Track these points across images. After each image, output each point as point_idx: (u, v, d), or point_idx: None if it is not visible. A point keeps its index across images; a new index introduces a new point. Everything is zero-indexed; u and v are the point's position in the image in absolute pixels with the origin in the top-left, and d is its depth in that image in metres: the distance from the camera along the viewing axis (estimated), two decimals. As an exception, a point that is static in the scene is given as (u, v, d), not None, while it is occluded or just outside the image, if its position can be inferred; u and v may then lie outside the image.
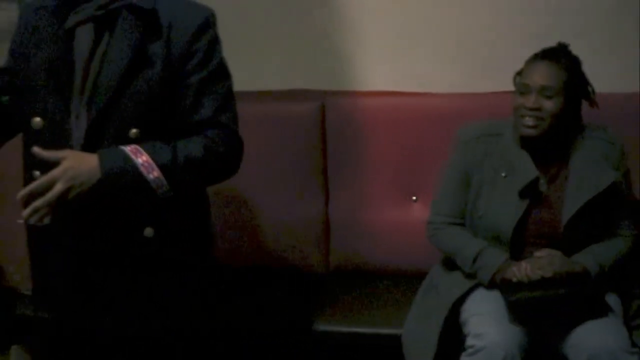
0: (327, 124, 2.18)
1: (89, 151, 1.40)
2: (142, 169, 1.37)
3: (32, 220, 1.35)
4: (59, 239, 1.48)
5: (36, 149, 1.36)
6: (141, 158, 1.38)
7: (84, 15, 1.40)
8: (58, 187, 1.32)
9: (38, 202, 1.32)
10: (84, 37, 1.41)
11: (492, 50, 2.15)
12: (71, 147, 1.41)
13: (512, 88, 1.77)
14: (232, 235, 2.16)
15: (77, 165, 1.35)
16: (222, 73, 1.49)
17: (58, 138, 1.42)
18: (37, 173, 1.44)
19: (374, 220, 2.17)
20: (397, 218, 2.16)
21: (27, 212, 1.33)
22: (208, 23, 1.46)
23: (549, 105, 1.68)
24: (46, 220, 1.38)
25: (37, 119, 1.44)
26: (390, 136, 2.15)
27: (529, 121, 1.68)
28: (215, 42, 1.48)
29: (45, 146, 1.40)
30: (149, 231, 1.46)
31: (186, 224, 1.53)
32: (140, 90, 1.40)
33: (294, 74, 2.24)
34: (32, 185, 1.34)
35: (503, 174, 1.73)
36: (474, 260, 1.73)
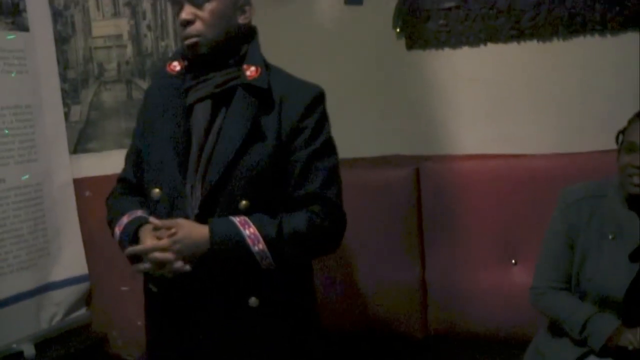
0: (422, 188, 2.19)
1: (202, 220, 1.48)
2: (248, 240, 1.44)
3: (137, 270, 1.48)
4: (171, 307, 1.56)
5: (152, 219, 1.46)
6: (248, 230, 1.44)
7: (204, 93, 1.51)
8: (169, 255, 1.42)
9: (145, 267, 1.44)
10: (202, 112, 1.51)
11: (587, 109, 2.12)
12: (187, 217, 1.49)
13: (608, 147, 1.74)
14: (330, 300, 2.18)
15: (187, 235, 1.43)
16: (329, 149, 1.55)
17: (175, 208, 1.51)
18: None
19: (472, 285, 2.14)
20: (497, 282, 2.12)
21: (140, 267, 1.46)
22: (317, 101, 1.54)
23: (657, 163, 1.63)
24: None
25: (157, 190, 1.54)
26: (487, 199, 2.14)
27: (637, 179, 1.63)
28: (324, 119, 1.55)
29: (163, 215, 1.51)
30: (253, 301, 1.50)
31: (291, 294, 1.57)
32: (252, 164, 1.48)
33: (388, 140, 2.29)
34: (140, 248, 1.46)
35: (610, 236, 1.68)
36: (584, 326, 1.66)
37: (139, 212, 1.59)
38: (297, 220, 1.48)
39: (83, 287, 2.44)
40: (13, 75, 2.21)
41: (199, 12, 1.48)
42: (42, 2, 2.33)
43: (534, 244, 1.94)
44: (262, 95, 1.50)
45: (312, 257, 1.62)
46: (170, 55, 2.37)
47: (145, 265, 1.45)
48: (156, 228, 1.47)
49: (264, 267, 1.47)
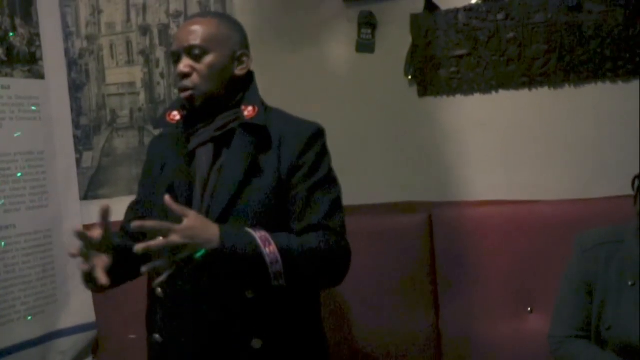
0: (435, 235, 2.17)
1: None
2: (259, 241, 1.40)
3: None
4: (173, 352, 1.53)
5: (167, 198, 1.38)
6: (259, 233, 1.42)
7: (205, 137, 1.53)
8: (174, 238, 1.33)
9: (152, 243, 1.33)
10: (204, 156, 1.53)
11: (599, 155, 2.11)
12: None
13: (624, 192, 1.72)
14: (340, 348, 2.13)
15: (199, 226, 1.37)
16: (330, 182, 1.55)
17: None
18: (159, 290, 1.52)
19: (488, 333, 2.09)
20: (513, 330, 2.07)
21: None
22: (316, 137, 1.55)
23: (675, 209, 1.61)
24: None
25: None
26: (501, 246, 2.11)
27: (656, 225, 1.62)
28: (323, 154, 1.56)
29: (167, 263, 1.49)
30: (256, 342, 1.47)
31: (296, 336, 1.53)
32: (253, 199, 1.48)
33: (400, 187, 2.28)
34: (150, 224, 1.35)
35: (630, 283, 1.64)
36: (606, 377, 1.62)
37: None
38: (306, 238, 1.46)
39: (90, 335, 2.42)
40: (28, 121, 2.24)
41: (196, 65, 1.51)
42: (58, 50, 2.38)
43: (550, 291, 1.91)
44: (261, 134, 1.52)
45: (320, 282, 1.56)
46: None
47: (151, 243, 1.34)
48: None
49: (273, 283, 1.41)
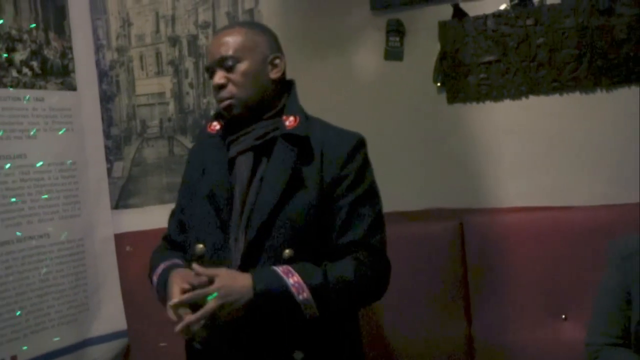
0: (467, 242, 2.16)
1: (244, 271, 1.46)
2: (292, 289, 1.41)
3: (183, 334, 1.39)
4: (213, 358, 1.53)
5: (195, 266, 1.43)
6: (292, 279, 1.42)
7: (245, 145, 1.54)
8: (211, 304, 1.37)
9: (191, 317, 1.36)
10: (244, 164, 1.53)
11: (631, 160, 2.08)
12: (229, 268, 1.48)
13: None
14: (374, 356, 2.13)
15: (230, 283, 1.40)
16: (373, 195, 1.55)
17: (218, 261, 1.50)
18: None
19: (521, 341, 2.07)
20: (547, 338, 2.05)
21: (180, 326, 1.37)
22: (358, 147, 1.55)
23: None
24: (197, 338, 1.41)
25: (200, 246, 1.54)
26: (533, 253, 2.09)
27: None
28: (365, 165, 1.56)
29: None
30: (298, 355, 1.47)
31: (337, 346, 1.53)
32: (294, 212, 1.48)
33: (430, 194, 2.27)
34: (185, 297, 1.39)
35: (669, 289, 1.62)
36: (646, 385, 1.59)
37: (176, 261, 1.60)
38: (342, 268, 1.46)
39: (121, 342, 2.43)
40: (61, 132, 2.27)
41: (231, 75, 1.53)
42: (89, 62, 2.41)
43: (584, 298, 1.89)
44: (302, 144, 1.52)
45: (357, 306, 1.59)
46: (211, 113, 2.44)
47: (190, 320, 1.38)
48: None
49: (307, 317, 1.43)
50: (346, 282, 1.44)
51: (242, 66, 1.52)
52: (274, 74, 1.57)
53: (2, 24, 2.12)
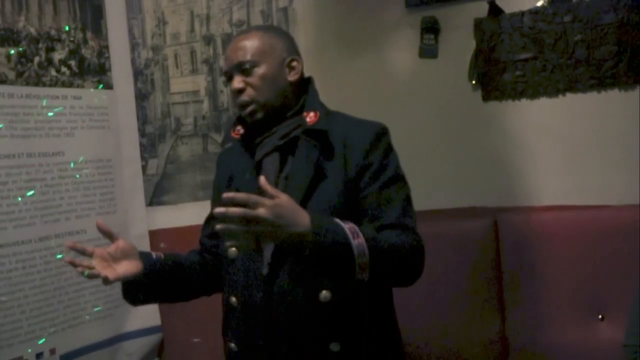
0: (501, 240, 2.14)
1: (275, 269, 1.47)
2: (348, 232, 1.36)
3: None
4: (252, 357, 1.54)
5: (262, 179, 1.32)
6: (347, 224, 1.38)
7: (270, 147, 1.54)
8: (261, 211, 1.27)
9: (236, 210, 1.26)
10: (271, 165, 1.54)
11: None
12: (260, 269, 1.49)
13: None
14: (408, 353, 2.12)
15: (290, 207, 1.32)
16: (400, 180, 1.54)
17: (250, 263, 1.52)
18: (233, 299, 1.55)
19: (556, 341, 2.04)
20: (583, 338, 2.02)
21: (221, 226, 1.28)
22: (380, 136, 1.54)
23: None
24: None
25: (233, 250, 1.55)
26: (569, 252, 2.07)
27: None
28: (389, 152, 1.55)
29: (238, 273, 1.53)
30: (334, 346, 1.47)
31: (374, 340, 1.53)
32: (321, 206, 1.47)
33: (464, 192, 2.26)
34: (240, 195, 1.28)
35: None
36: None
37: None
38: (386, 234, 1.45)
39: (155, 338, 2.46)
40: (97, 130, 2.31)
41: (249, 79, 1.53)
42: (125, 61, 2.45)
43: (622, 298, 1.86)
44: (324, 138, 1.52)
45: (397, 279, 1.51)
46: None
47: (233, 210, 1.27)
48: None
49: (357, 277, 1.37)
50: (392, 244, 1.42)
51: (259, 70, 1.53)
52: (292, 77, 1.57)
53: (42, 24, 2.16)
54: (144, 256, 1.54)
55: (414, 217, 1.53)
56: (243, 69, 1.53)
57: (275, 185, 1.51)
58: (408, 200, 1.54)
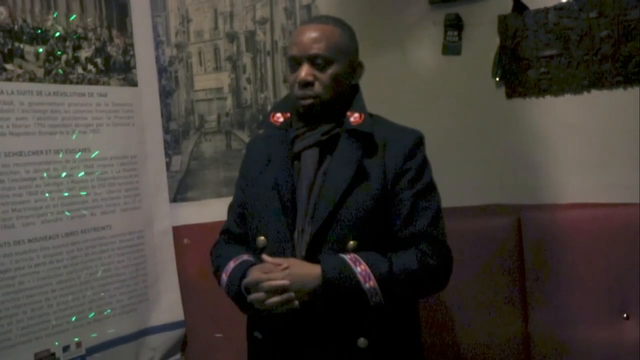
0: (524, 238, 2.13)
1: (309, 261, 1.49)
2: (359, 277, 1.43)
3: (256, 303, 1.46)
4: (277, 352, 1.55)
5: (265, 256, 1.49)
6: (360, 267, 1.44)
7: (311, 141, 1.56)
8: (284, 282, 1.42)
9: (264, 282, 1.43)
10: (309, 159, 1.55)
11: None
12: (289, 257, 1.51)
13: None
14: (428, 349, 2.12)
15: (300, 270, 1.44)
16: (432, 189, 1.58)
17: (280, 253, 1.53)
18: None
19: (580, 340, 2.04)
20: (607, 337, 2.01)
21: (254, 296, 1.45)
22: (419, 144, 1.58)
23: None
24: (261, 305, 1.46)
25: (262, 238, 1.57)
26: (593, 250, 2.05)
27: None
28: (425, 161, 1.59)
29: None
30: (362, 341, 1.49)
31: (399, 337, 1.55)
32: (358, 204, 1.50)
33: (487, 189, 2.26)
34: (255, 277, 1.47)
35: None
36: None
37: (245, 256, 1.62)
38: (406, 258, 1.48)
39: (179, 332, 2.48)
40: (122, 127, 2.34)
41: (319, 74, 1.53)
42: (150, 58, 2.46)
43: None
44: (366, 140, 1.54)
45: (422, 295, 1.60)
46: (270, 107, 2.46)
47: (259, 295, 1.45)
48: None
49: (372, 305, 1.45)
50: (411, 271, 1.46)
51: (332, 69, 1.53)
52: (355, 80, 1.60)
53: (69, 23, 2.19)
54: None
55: (442, 228, 1.55)
56: (317, 63, 1.52)
57: (314, 179, 1.53)
58: (438, 210, 1.56)
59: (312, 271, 1.44)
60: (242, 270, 1.55)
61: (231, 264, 1.62)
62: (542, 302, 2.11)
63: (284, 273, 1.44)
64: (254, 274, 1.49)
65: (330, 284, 1.43)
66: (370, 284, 1.43)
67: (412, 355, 1.60)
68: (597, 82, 2.09)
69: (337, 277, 1.43)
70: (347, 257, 1.46)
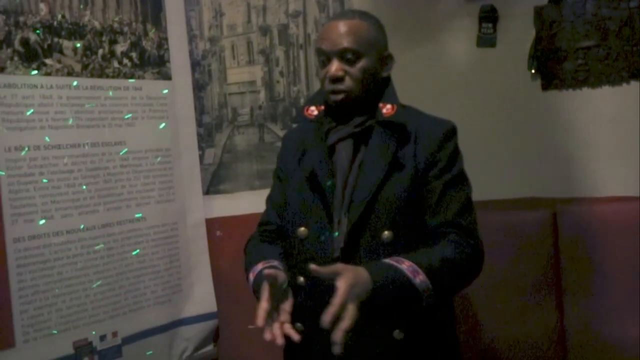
0: (560, 232, 2.11)
1: (346, 253, 1.48)
2: (408, 273, 1.40)
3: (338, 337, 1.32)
4: (315, 341, 1.55)
5: (313, 267, 1.37)
6: (404, 264, 1.41)
7: (345, 133, 1.56)
8: (352, 309, 1.30)
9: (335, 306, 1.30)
10: (344, 151, 1.55)
11: None
12: (332, 251, 1.51)
13: None
14: (466, 343, 2.11)
15: (355, 281, 1.34)
16: (463, 179, 1.57)
17: (320, 244, 1.53)
18: (301, 279, 1.56)
19: (616, 336, 2.01)
20: (645, 333, 1.99)
21: (338, 336, 1.30)
22: (450, 134, 1.57)
23: None
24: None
25: (302, 229, 1.57)
26: (630, 244, 2.03)
27: None
28: (456, 151, 1.58)
29: (309, 252, 1.54)
30: (397, 333, 1.49)
31: (435, 330, 1.55)
32: (393, 195, 1.50)
33: (523, 182, 2.24)
34: (337, 303, 1.31)
35: None
36: None
37: (275, 262, 1.61)
38: (441, 250, 1.46)
39: (211, 324, 2.51)
40: (161, 124, 2.37)
41: (349, 69, 1.53)
42: (183, 53, 2.48)
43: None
44: (398, 130, 1.54)
45: (461, 285, 1.56)
46: (303, 100, 2.46)
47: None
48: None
49: (425, 302, 1.41)
50: (450, 261, 1.44)
51: (362, 62, 1.53)
52: (385, 73, 1.59)
53: (105, 18, 2.22)
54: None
55: (473, 218, 1.54)
56: (345, 57, 1.52)
57: (349, 171, 1.54)
58: (469, 200, 1.55)
59: (363, 278, 1.36)
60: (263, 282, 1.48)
61: (259, 266, 1.60)
62: (578, 296, 2.09)
63: (348, 284, 1.32)
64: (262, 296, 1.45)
65: (382, 286, 1.37)
66: (420, 278, 1.40)
67: (447, 349, 1.59)
68: (637, 73, 2.06)
69: (387, 278, 1.38)
70: (388, 260, 1.43)
